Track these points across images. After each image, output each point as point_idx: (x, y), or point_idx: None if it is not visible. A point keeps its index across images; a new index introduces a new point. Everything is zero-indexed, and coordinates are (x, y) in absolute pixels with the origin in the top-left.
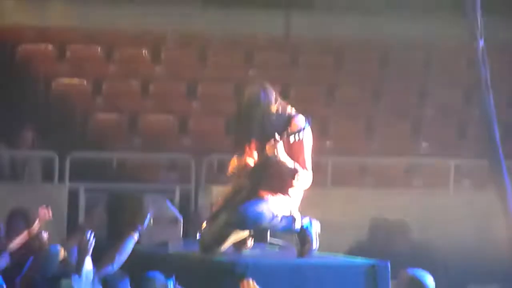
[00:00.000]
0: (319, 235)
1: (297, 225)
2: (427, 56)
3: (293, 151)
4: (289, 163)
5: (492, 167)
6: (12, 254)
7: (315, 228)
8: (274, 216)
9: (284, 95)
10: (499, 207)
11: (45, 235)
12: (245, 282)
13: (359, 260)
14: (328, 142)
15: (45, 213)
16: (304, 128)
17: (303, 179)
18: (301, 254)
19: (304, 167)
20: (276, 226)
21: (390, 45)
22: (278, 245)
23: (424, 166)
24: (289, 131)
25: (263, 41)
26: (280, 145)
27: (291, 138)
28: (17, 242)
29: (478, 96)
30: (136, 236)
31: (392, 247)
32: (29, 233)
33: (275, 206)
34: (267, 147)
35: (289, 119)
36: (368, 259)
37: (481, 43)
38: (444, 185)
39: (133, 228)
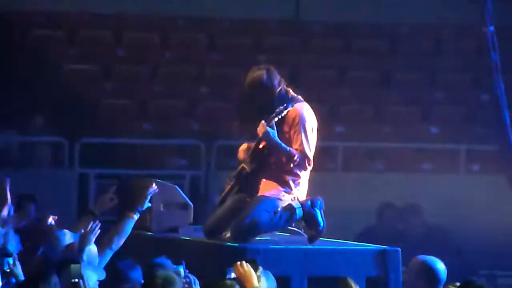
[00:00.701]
0: (327, 217)
1: (299, 213)
2: (437, 40)
3: (290, 134)
4: (282, 147)
5: (503, 151)
6: (26, 240)
7: (318, 208)
8: (272, 218)
9: (294, 79)
10: (509, 191)
11: (52, 220)
12: (238, 264)
13: (369, 245)
14: (338, 127)
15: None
16: (286, 108)
17: (300, 163)
18: (311, 238)
19: (301, 150)
20: (277, 226)
21: (400, 29)
22: (289, 231)
23: (435, 150)
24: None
25: (273, 25)
26: (271, 129)
27: (275, 119)
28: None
29: (489, 81)
30: (135, 218)
31: (403, 232)
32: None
33: (273, 205)
34: (258, 129)
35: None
36: (378, 244)
37: (491, 28)
38: (455, 169)
39: (132, 209)
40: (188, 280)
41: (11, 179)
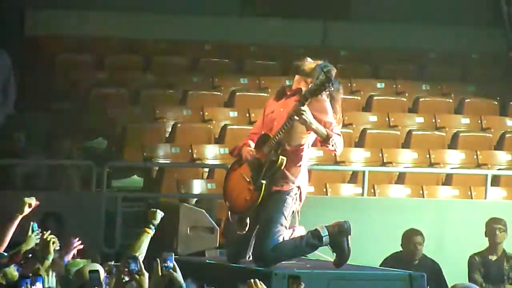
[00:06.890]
0: (352, 241)
1: (325, 241)
2: (463, 66)
3: (319, 118)
4: (321, 127)
5: None
6: None
7: (346, 235)
8: (297, 244)
9: None
10: None
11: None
12: (252, 282)
13: (395, 271)
14: (364, 151)
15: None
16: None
17: (337, 142)
18: (337, 263)
19: (335, 131)
20: (302, 252)
21: (426, 56)
22: (314, 255)
23: (461, 175)
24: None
25: (300, 51)
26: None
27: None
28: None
29: None
30: (151, 233)
31: (428, 258)
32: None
33: (281, 207)
34: (293, 112)
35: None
36: (404, 270)
37: None
38: (480, 195)
39: (147, 225)
40: None
41: (40, 201)
